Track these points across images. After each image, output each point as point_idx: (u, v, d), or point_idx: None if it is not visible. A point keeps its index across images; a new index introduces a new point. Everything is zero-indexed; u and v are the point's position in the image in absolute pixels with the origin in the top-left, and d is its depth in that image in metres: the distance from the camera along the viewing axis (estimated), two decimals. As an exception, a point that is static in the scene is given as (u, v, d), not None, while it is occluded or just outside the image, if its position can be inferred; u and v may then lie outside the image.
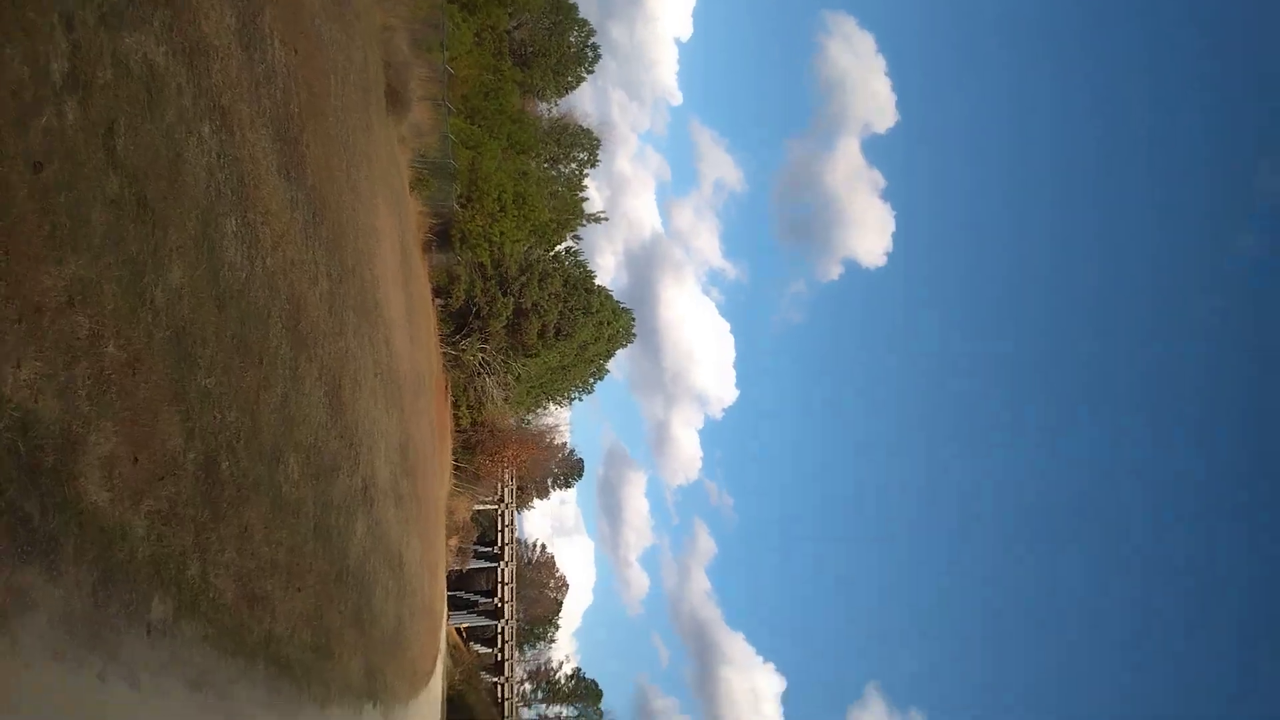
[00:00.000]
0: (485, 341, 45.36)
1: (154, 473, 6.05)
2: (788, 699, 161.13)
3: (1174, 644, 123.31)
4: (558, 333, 45.36)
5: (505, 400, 52.57)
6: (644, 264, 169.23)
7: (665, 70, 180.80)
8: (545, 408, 58.72)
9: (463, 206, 43.07)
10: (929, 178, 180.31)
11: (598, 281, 47.79)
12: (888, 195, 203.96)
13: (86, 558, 5.03)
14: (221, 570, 7.35)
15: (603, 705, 77.15)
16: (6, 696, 4.14)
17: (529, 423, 62.15)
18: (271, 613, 8.67)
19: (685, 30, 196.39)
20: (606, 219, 66.30)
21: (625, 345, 52.74)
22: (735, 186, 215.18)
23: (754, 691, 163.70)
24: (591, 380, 56.78)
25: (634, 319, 51.91)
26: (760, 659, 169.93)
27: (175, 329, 6.52)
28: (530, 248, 45.14)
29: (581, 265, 47.69)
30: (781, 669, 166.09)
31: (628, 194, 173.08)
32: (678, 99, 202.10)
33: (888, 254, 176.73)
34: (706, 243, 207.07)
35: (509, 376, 46.70)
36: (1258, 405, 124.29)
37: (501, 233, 43.30)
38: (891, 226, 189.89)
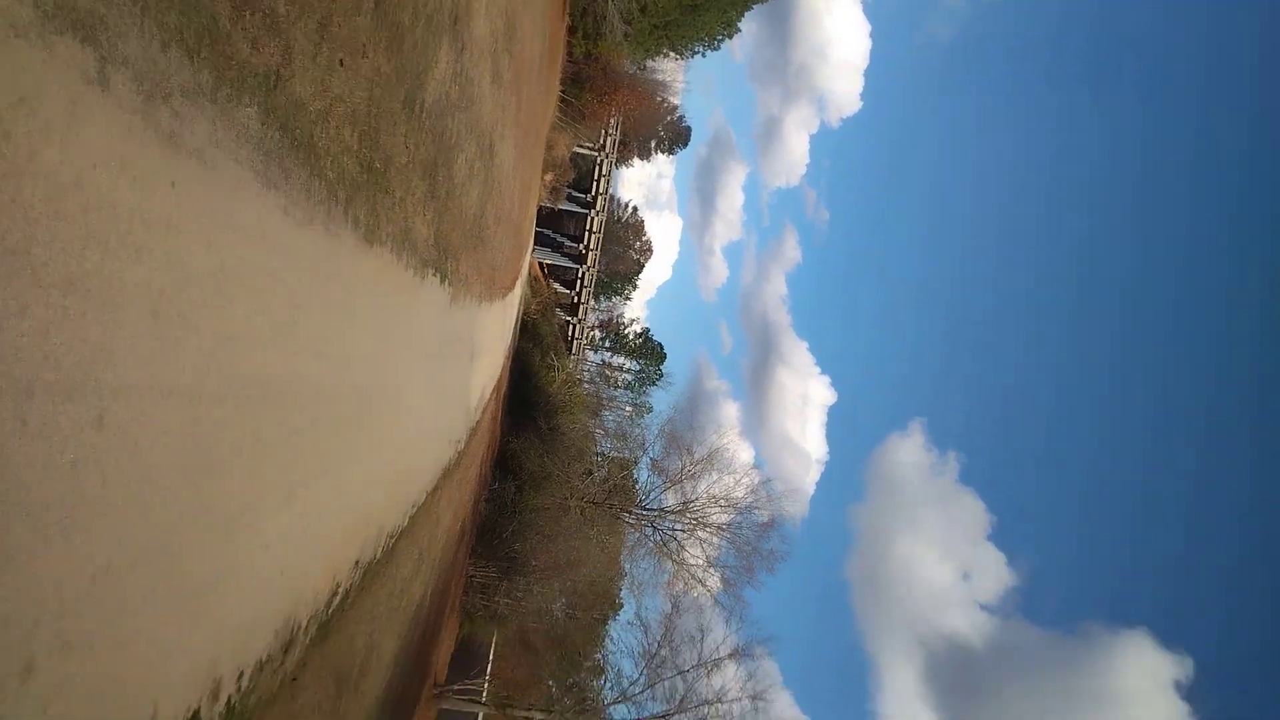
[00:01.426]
0: (618, -45, 39.42)
1: None
2: (834, 412, 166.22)
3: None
4: (699, -39, 39.07)
5: (625, 36, 47.25)
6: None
7: None
8: (665, 55, 53.04)
9: None
10: None
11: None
12: None
13: None
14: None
15: (664, 368, 78.93)
16: None
17: (645, 69, 56.75)
18: (291, 62, 5.82)
19: None
20: None
21: (767, -2, 45.94)
22: None
23: (804, 397, 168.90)
24: (720, 37, 50.55)
25: (785, -32, 44.53)
26: (818, 369, 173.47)
27: None
28: None
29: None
30: (836, 385, 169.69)
31: None
32: None
33: None
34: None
35: (634, 2, 41.17)
36: None
37: None
38: None
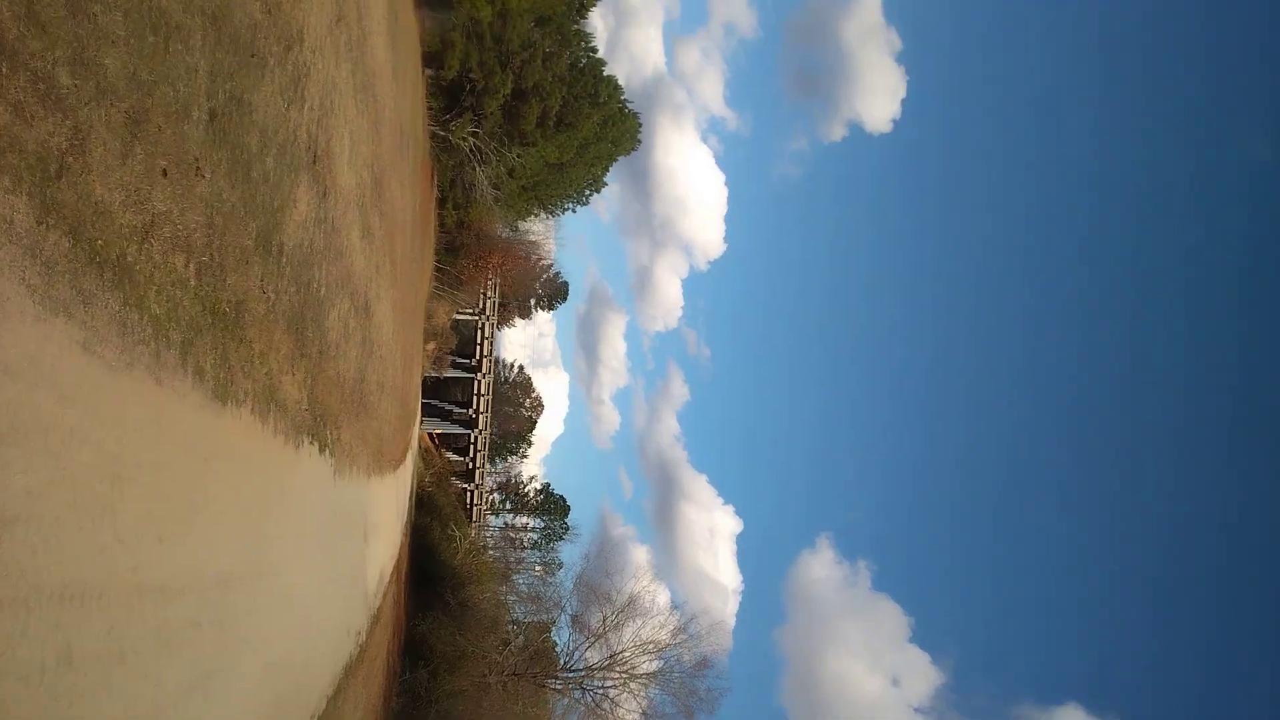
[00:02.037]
0: (479, 124, 39.92)
1: None
2: (743, 539, 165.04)
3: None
4: (559, 122, 39.98)
5: (495, 200, 47.62)
6: (644, 102, 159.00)
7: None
8: (536, 215, 53.73)
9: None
10: (949, 45, 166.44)
11: (608, 72, 41.92)
12: (903, 59, 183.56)
13: None
14: None
15: (568, 521, 76.05)
16: None
17: (518, 231, 57.30)
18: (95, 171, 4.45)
19: None
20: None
21: (629, 152, 47.43)
22: (746, 31, 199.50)
23: (711, 530, 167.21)
24: (588, 192, 51.70)
25: (640, 124, 46.35)
26: (720, 500, 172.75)
27: None
28: (536, 22, 39.00)
29: (592, 51, 41.57)
30: (740, 512, 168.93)
31: (632, 25, 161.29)
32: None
33: (895, 121, 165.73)
34: (710, 88, 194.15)
35: (501, 167, 41.56)
36: None
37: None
38: (903, 92, 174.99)
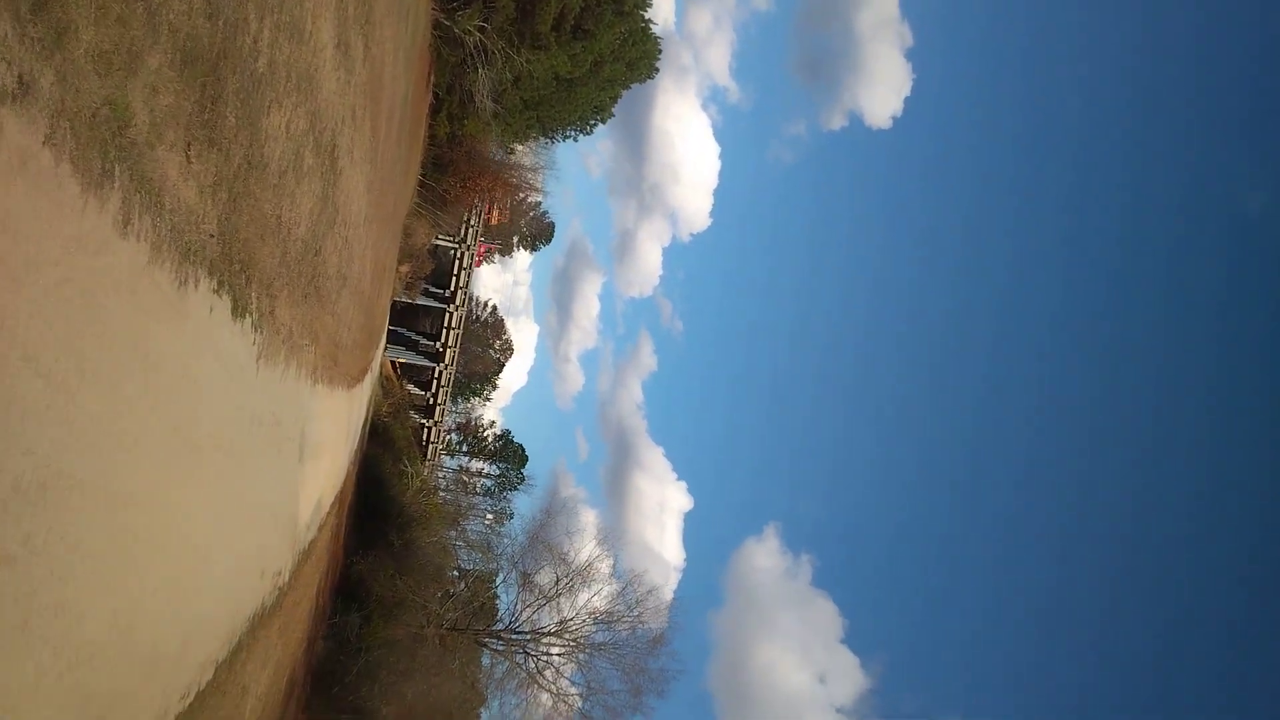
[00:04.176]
0: (488, 18, 34.86)
1: None
2: (691, 518, 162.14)
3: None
4: (576, 28, 35.06)
5: (494, 115, 42.57)
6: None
7: None
8: (534, 139, 48.73)
9: None
10: (961, 48, 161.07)
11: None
12: (912, 55, 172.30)
13: None
14: None
15: (525, 471, 71.86)
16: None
17: (513, 154, 52.26)
18: None
19: None
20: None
21: (644, 79, 42.65)
22: (761, 3, 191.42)
23: (661, 504, 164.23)
24: (593, 121, 46.77)
25: (660, 50, 41.56)
26: (675, 475, 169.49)
27: None
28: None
29: (620, -46, 36.49)
30: (692, 490, 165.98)
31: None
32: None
33: (895, 118, 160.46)
34: (717, 55, 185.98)
35: (507, 73, 36.57)
36: None
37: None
38: (907, 90, 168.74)
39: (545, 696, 38.86)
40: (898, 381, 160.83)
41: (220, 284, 7.87)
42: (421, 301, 60.00)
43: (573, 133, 47.04)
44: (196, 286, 7.07)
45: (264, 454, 12.25)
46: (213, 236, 7.43)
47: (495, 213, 57.62)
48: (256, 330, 9.96)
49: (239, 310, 8.83)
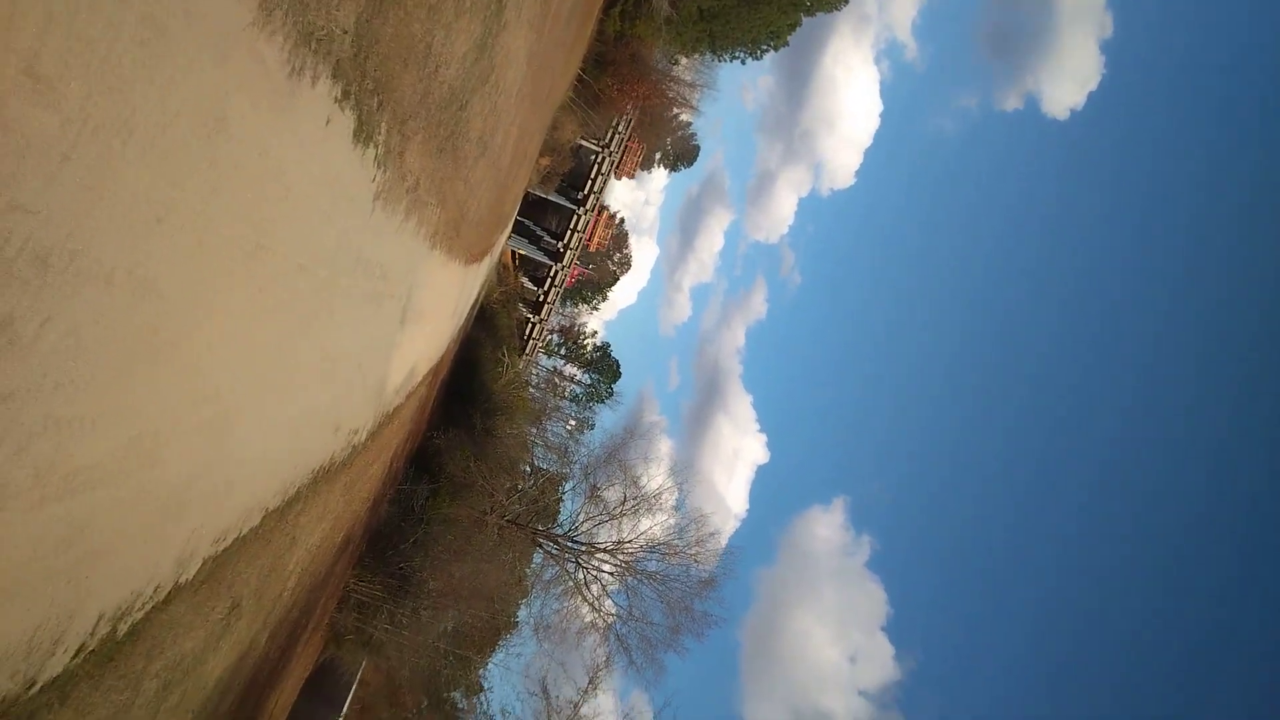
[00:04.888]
0: (686, -89, 32.57)
1: None
2: (764, 471, 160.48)
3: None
4: (776, -62, 32.43)
5: (667, 21, 40.44)
6: None
7: None
8: (702, 54, 46.34)
9: None
10: (1160, 47, 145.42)
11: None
12: (1107, 47, 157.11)
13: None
14: None
15: (616, 386, 71.50)
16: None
17: (677, 65, 50.03)
18: None
19: None
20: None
21: (831, 9, 39.50)
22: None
23: (737, 450, 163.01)
24: (765, 46, 44.02)
25: (857, -16, 38.26)
26: (757, 426, 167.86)
27: None
28: None
29: None
30: (771, 445, 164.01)
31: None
32: None
33: (1074, 110, 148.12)
34: (902, 8, 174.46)
35: (692, -25, 34.34)
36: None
37: None
38: (1094, 83, 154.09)
39: (586, 609, 38.80)
40: (1005, 392, 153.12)
41: (346, 94, 6.65)
42: (553, 198, 59.23)
43: (741, 54, 44.45)
44: (314, 84, 5.85)
45: (363, 304, 11.33)
46: (346, 32, 6.18)
47: (595, 236, 56.06)
48: (380, 167, 8.83)
49: (363, 135, 7.66)
